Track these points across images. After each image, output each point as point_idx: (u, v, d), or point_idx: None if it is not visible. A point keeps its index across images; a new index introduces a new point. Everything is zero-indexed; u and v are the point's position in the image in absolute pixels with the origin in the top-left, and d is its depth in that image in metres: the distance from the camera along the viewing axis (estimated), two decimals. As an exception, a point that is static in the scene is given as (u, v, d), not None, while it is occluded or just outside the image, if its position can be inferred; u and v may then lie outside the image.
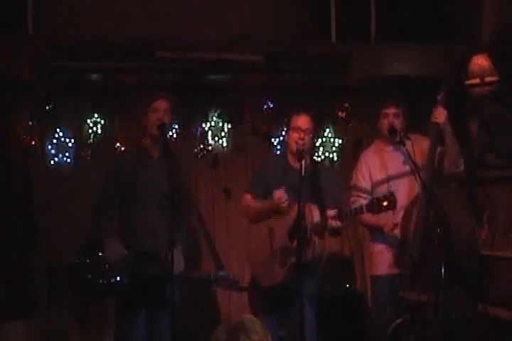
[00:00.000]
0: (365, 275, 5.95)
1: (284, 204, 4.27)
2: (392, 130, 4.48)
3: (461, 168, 4.59)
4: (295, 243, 4.19)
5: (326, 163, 5.75)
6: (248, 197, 4.53)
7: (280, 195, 4.26)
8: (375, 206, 4.07)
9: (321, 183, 4.37)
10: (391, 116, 4.54)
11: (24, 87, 5.49)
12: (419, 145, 4.52)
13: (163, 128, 4.26)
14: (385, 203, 4.04)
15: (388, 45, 5.67)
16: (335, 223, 4.19)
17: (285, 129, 4.45)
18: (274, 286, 4.31)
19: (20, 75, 5.37)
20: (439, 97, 4.48)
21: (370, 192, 4.57)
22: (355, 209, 4.24)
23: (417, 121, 4.91)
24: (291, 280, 4.19)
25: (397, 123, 4.53)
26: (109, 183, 4.44)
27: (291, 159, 4.44)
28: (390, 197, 4.05)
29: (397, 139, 4.45)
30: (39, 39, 5.29)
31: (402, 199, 4.49)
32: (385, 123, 4.56)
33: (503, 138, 5.46)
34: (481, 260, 4.53)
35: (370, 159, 4.66)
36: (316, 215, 4.20)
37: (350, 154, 5.89)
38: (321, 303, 4.45)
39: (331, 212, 4.22)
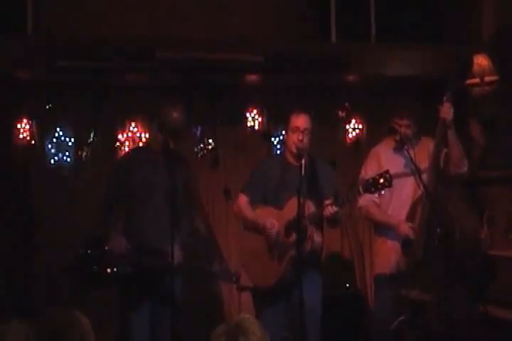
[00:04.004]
0: (365, 275, 5.96)
1: (271, 235, 4.29)
2: (401, 141, 4.47)
3: (465, 169, 4.60)
4: (292, 238, 4.21)
5: (324, 160, 5.75)
6: (243, 199, 4.51)
7: (273, 225, 4.29)
8: (371, 185, 4.05)
9: (317, 179, 4.37)
10: (404, 128, 4.55)
11: (24, 87, 5.49)
12: (426, 148, 4.56)
13: (166, 130, 4.27)
14: (381, 181, 4.01)
15: (388, 45, 5.67)
16: (332, 209, 4.17)
17: (284, 129, 4.44)
18: (274, 285, 4.31)
19: (20, 75, 5.37)
20: (446, 95, 4.49)
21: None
22: (352, 191, 4.22)
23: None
24: (291, 277, 4.20)
25: (409, 133, 4.54)
26: (111, 183, 4.49)
27: (290, 158, 4.44)
28: (386, 174, 4.02)
29: (397, 138, 4.48)
30: (39, 39, 5.29)
31: (408, 197, 4.53)
32: (397, 132, 4.55)
33: (503, 138, 5.46)
34: (483, 260, 4.55)
35: (380, 155, 4.68)
36: (310, 206, 4.20)
37: (350, 154, 5.89)
38: (320, 303, 4.44)
39: (327, 201, 4.21)
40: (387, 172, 4.04)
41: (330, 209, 4.16)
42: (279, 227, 4.30)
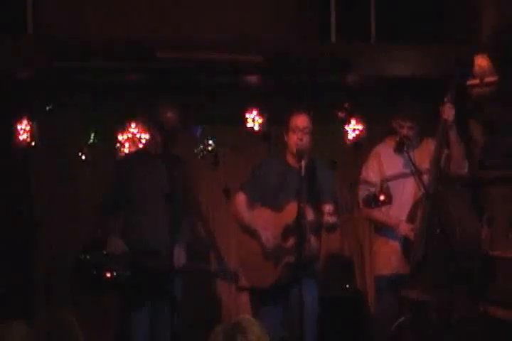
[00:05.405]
0: (365, 275, 5.96)
1: (267, 249, 4.30)
2: (401, 142, 4.48)
3: (466, 169, 4.61)
4: (289, 242, 4.22)
5: (324, 162, 5.75)
6: (241, 197, 4.51)
7: (268, 241, 4.30)
8: (371, 200, 4.05)
9: (317, 180, 4.37)
10: (406, 129, 4.55)
11: (24, 87, 5.49)
12: (427, 149, 4.57)
13: (164, 130, 4.28)
14: (381, 197, 4.01)
15: (388, 45, 5.67)
16: (331, 219, 4.19)
17: (284, 130, 4.44)
18: (270, 287, 4.31)
19: (20, 75, 5.37)
20: (447, 95, 4.50)
21: (380, 186, 4.54)
22: (352, 204, 4.22)
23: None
24: (286, 280, 4.20)
25: (410, 134, 4.55)
26: (110, 183, 4.50)
27: (290, 159, 4.44)
28: (387, 191, 4.03)
29: (397, 139, 4.49)
30: (39, 39, 5.29)
31: (409, 198, 4.53)
32: (400, 133, 4.56)
33: (503, 138, 5.46)
34: (484, 260, 4.55)
35: (381, 155, 4.69)
36: (309, 213, 4.20)
37: (350, 154, 5.89)
38: (320, 303, 4.44)
39: (326, 208, 4.22)
40: (388, 188, 4.05)
41: (329, 219, 4.19)
42: (275, 240, 4.30)
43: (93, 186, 5.48)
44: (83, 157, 5.65)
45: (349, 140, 5.89)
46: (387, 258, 4.58)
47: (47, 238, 5.60)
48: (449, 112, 4.45)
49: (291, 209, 4.17)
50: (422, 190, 4.29)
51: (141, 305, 4.29)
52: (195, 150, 5.79)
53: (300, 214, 4.02)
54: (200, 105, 5.75)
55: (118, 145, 5.62)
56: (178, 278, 4.36)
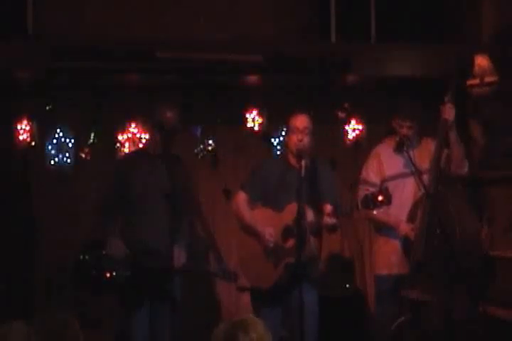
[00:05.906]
0: (366, 275, 5.96)
1: (269, 245, 4.29)
2: (401, 142, 4.48)
3: (466, 169, 4.62)
4: (289, 243, 4.22)
5: (325, 162, 5.76)
6: (242, 196, 4.51)
7: (271, 236, 4.29)
8: (370, 201, 4.07)
9: (317, 181, 4.38)
10: (405, 129, 4.57)
11: (24, 87, 5.50)
12: (427, 148, 4.57)
13: (164, 130, 4.28)
14: (380, 198, 4.03)
15: (388, 45, 5.67)
16: (330, 220, 4.19)
17: (285, 130, 4.45)
18: (270, 287, 4.31)
19: (20, 75, 5.37)
20: (447, 95, 4.51)
21: (379, 187, 4.56)
22: (351, 205, 4.23)
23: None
24: (286, 280, 4.20)
25: (410, 134, 4.56)
26: (110, 184, 4.49)
27: (291, 160, 4.44)
28: (385, 192, 4.04)
29: (397, 139, 4.50)
30: (39, 39, 5.29)
31: (409, 197, 4.54)
32: (399, 132, 4.57)
33: (503, 138, 5.46)
34: (484, 260, 4.55)
35: (381, 155, 4.70)
36: (309, 214, 4.20)
37: (350, 154, 5.90)
38: (320, 303, 4.44)
39: (327, 209, 4.22)
40: (386, 189, 4.06)
41: (329, 221, 4.20)
42: (276, 237, 4.30)
43: (93, 186, 5.48)
44: (83, 158, 5.65)
45: (349, 140, 5.88)
46: (387, 257, 4.59)
47: (47, 238, 5.60)
48: (449, 112, 4.46)
49: (291, 209, 4.17)
50: (422, 190, 4.30)
51: (141, 305, 4.30)
52: (195, 150, 5.79)
53: (300, 215, 4.03)
54: (200, 105, 5.76)
55: (118, 145, 5.62)
56: (178, 278, 4.36)
